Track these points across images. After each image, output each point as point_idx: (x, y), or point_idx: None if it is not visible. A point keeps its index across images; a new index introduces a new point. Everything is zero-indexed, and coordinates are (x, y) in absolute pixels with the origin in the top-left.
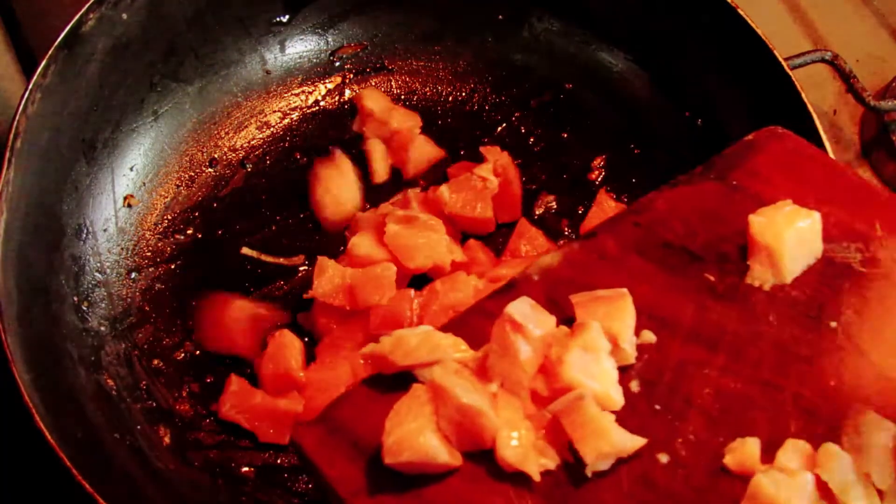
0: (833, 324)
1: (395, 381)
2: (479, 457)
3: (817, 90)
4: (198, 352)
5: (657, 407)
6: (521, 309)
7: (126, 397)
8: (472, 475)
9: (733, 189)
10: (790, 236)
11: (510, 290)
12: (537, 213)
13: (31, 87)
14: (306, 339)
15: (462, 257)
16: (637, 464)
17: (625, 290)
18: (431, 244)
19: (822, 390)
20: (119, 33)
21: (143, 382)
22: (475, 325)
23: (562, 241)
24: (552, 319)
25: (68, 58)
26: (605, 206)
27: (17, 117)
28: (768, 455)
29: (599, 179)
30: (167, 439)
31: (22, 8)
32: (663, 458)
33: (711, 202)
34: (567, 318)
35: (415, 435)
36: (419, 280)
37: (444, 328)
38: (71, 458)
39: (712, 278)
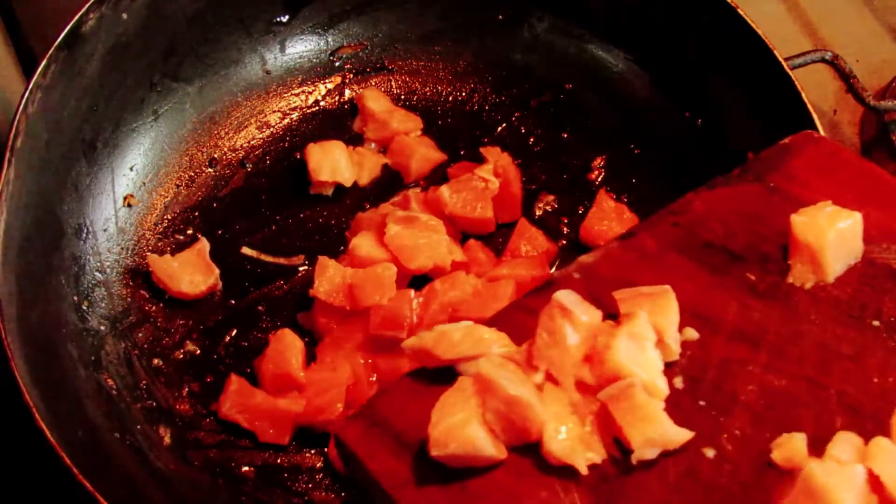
0: (876, 323)
1: (436, 376)
2: (525, 450)
3: (817, 90)
4: (197, 351)
5: (702, 403)
6: (569, 297)
7: (126, 397)
8: (517, 469)
9: (772, 191)
10: (832, 236)
11: (550, 287)
12: (537, 213)
13: (31, 87)
14: (306, 339)
15: (462, 257)
16: (683, 458)
17: (668, 286)
18: (432, 245)
19: (866, 387)
20: (119, 33)
21: (143, 382)
22: (517, 321)
23: (562, 241)
24: (598, 312)
25: (68, 58)
26: (605, 206)
27: (17, 117)
28: (815, 450)
29: (599, 179)
30: (167, 439)
31: (22, 8)
32: (709, 452)
33: (751, 204)
34: (610, 315)
35: (461, 427)
36: (419, 280)
37: (487, 324)
38: (71, 458)
39: (753, 277)
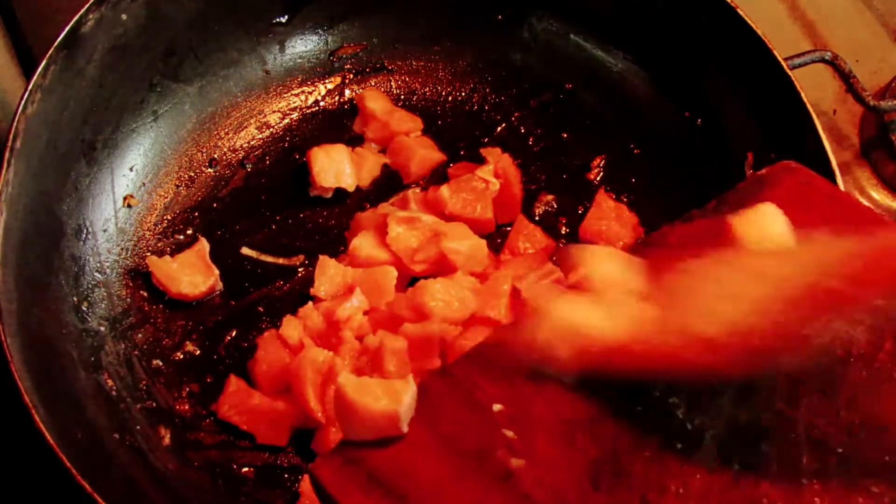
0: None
1: None
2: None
3: (817, 90)
4: (197, 352)
5: (673, 439)
6: None
7: (126, 397)
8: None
9: None
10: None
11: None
12: (537, 212)
13: (30, 87)
14: None
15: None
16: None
17: None
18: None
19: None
20: (119, 33)
21: (143, 382)
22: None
23: (561, 241)
24: None
25: (68, 58)
26: (605, 206)
27: (16, 117)
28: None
29: (599, 179)
30: (167, 439)
31: (22, 8)
32: (679, 490)
33: (725, 237)
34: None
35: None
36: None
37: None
38: (71, 459)
39: None
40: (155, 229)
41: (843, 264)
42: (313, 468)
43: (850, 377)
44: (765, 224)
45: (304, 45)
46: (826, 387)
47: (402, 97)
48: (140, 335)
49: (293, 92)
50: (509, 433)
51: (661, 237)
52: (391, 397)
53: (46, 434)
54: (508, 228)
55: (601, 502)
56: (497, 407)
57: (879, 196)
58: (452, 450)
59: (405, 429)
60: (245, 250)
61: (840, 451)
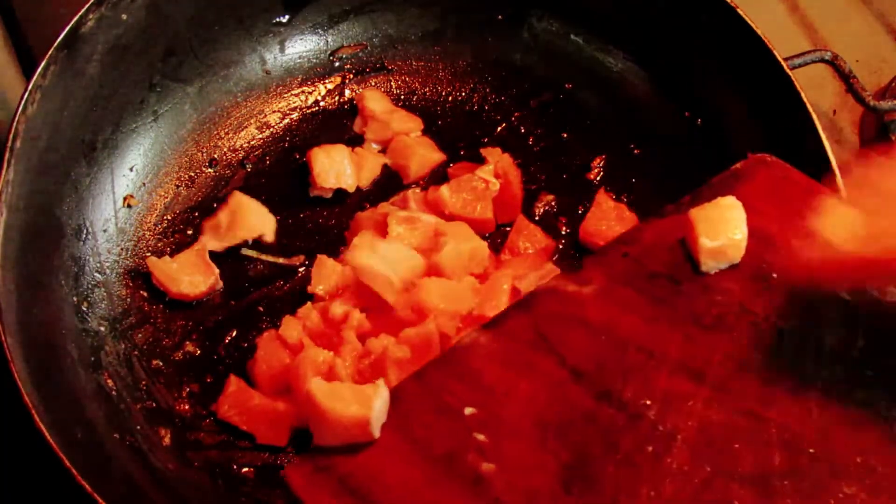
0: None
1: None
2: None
3: (817, 90)
4: (197, 352)
5: (644, 442)
6: None
7: (126, 397)
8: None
9: None
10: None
11: (499, 323)
12: (537, 212)
13: (30, 87)
14: None
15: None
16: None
17: None
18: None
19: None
20: (119, 33)
21: (143, 382)
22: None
23: (561, 241)
24: None
25: (68, 58)
26: (605, 206)
27: (16, 117)
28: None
29: (599, 179)
30: (167, 439)
31: (22, 8)
32: (651, 493)
33: (688, 231)
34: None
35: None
36: None
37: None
38: (71, 459)
39: (699, 309)
40: (155, 229)
41: None
42: (284, 474)
43: (823, 375)
44: (720, 218)
45: (304, 45)
46: (797, 386)
47: (402, 97)
48: (140, 335)
49: (293, 92)
50: (480, 437)
51: (637, 233)
52: (362, 403)
53: (46, 434)
54: (508, 228)
55: None
56: (469, 410)
57: None
58: (424, 454)
59: (377, 434)
60: (245, 250)
61: (812, 451)
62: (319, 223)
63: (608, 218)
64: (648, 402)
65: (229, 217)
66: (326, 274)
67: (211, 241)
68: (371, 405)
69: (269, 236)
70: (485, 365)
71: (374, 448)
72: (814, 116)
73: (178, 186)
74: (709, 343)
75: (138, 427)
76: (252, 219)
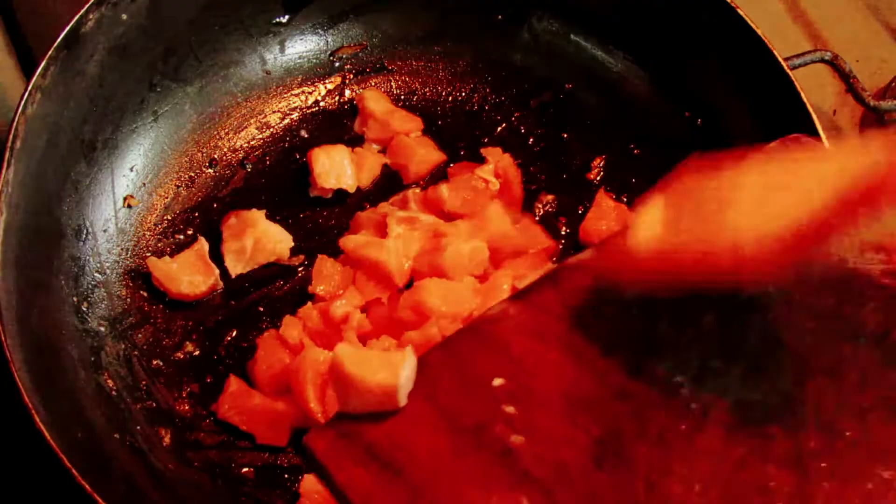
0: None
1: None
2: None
3: (817, 90)
4: (197, 352)
5: (677, 420)
6: None
7: (126, 397)
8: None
9: None
10: None
11: (528, 295)
12: (537, 212)
13: (30, 87)
14: None
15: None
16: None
17: None
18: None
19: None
20: (119, 33)
21: (143, 383)
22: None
23: (561, 241)
24: None
25: (68, 58)
26: (605, 206)
27: (16, 118)
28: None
29: (599, 179)
30: (167, 439)
31: (22, 8)
32: (685, 471)
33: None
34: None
35: None
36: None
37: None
38: (70, 460)
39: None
40: (155, 229)
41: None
42: (307, 440)
43: (860, 358)
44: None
45: (304, 45)
46: (834, 367)
47: (402, 97)
48: (140, 335)
49: (293, 92)
50: (509, 409)
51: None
52: (389, 370)
53: (46, 434)
54: None
55: (603, 482)
56: (497, 381)
57: None
58: (451, 424)
59: (403, 402)
60: None
61: (848, 434)
62: (319, 223)
63: (608, 218)
64: (680, 380)
65: (253, 243)
66: (327, 274)
67: (234, 265)
68: (398, 372)
69: (286, 256)
70: (513, 336)
71: (400, 416)
72: (814, 116)
73: (178, 186)
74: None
75: (138, 427)
76: (274, 245)
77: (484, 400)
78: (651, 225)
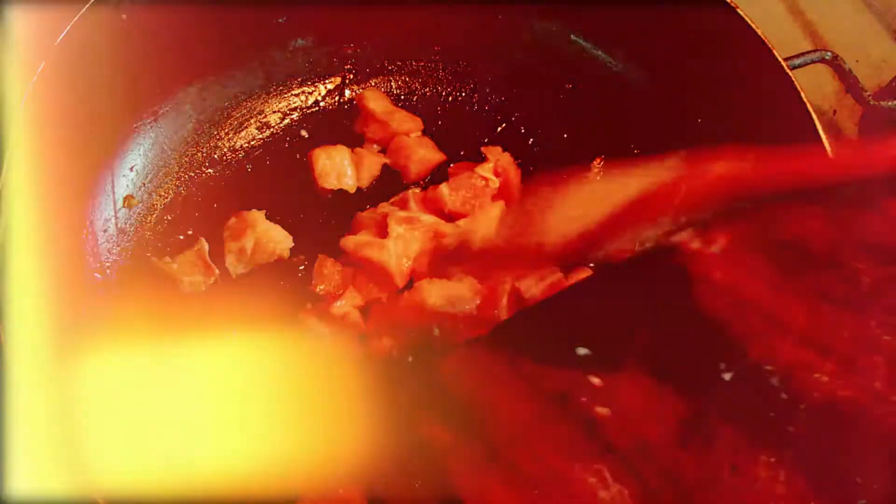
0: None
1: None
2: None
3: (817, 90)
4: None
5: (766, 408)
6: None
7: None
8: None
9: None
10: None
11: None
12: None
13: (30, 87)
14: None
15: None
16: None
17: None
18: None
19: None
20: (119, 33)
21: None
22: None
23: None
24: None
25: (68, 58)
26: None
27: (16, 118)
28: None
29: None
30: None
31: (22, 7)
32: (771, 459)
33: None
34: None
35: None
36: None
37: None
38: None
39: (827, 284)
40: (155, 229)
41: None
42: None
43: None
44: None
45: (304, 45)
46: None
47: (402, 97)
48: None
49: (293, 92)
50: (595, 380)
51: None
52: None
53: None
54: None
55: (688, 461)
56: (582, 351)
57: None
58: (535, 390)
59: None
60: None
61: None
62: (319, 223)
63: None
64: (771, 369)
65: (253, 244)
66: (327, 274)
67: (234, 266)
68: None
69: (286, 256)
70: (599, 307)
71: (481, 377)
72: (814, 116)
73: (178, 186)
74: (837, 319)
75: None
76: (274, 245)
77: (568, 368)
78: (489, 224)
